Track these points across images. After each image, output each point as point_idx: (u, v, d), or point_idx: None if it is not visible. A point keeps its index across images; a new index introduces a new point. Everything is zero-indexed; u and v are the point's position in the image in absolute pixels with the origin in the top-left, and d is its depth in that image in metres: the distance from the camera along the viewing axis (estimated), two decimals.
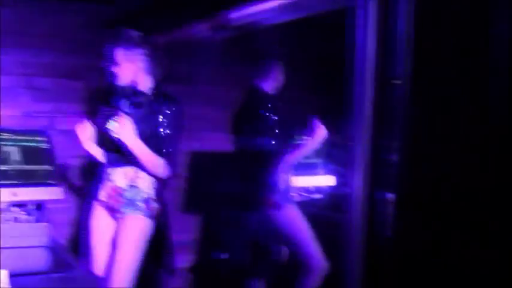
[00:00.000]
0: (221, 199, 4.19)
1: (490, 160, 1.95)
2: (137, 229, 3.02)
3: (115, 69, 3.04)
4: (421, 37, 1.78)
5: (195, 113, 4.33)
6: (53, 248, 2.45)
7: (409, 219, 1.97)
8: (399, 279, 1.99)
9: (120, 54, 3.02)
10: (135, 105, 3.04)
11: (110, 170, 3.10)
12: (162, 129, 2.99)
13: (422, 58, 1.80)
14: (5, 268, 1.86)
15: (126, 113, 2.99)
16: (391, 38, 1.80)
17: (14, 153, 3.07)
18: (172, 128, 3.02)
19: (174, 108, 3.04)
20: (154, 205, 3.07)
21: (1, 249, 2.23)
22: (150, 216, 3.04)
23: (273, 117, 3.62)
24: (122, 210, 3.03)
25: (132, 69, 3.04)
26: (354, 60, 1.94)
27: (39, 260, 2.20)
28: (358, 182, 2.00)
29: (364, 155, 1.96)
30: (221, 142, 4.25)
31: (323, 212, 4.24)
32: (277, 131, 3.64)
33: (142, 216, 3.01)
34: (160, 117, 2.99)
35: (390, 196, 1.93)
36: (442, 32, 1.90)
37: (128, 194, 3.02)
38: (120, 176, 3.06)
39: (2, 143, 3.06)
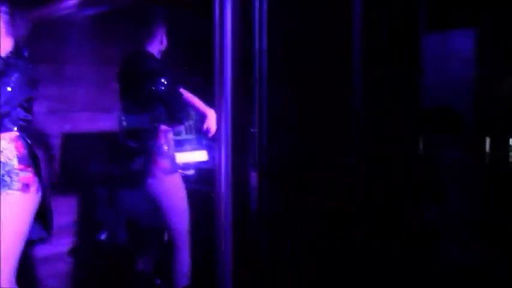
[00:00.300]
0: (97, 178, 4.20)
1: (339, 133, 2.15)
2: (11, 207, 2.74)
3: None
4: (274, 17, 1.92)
5: (64, 93, 4.31)
6: None
7: (269, 189, 2.11)
8: (263, 244, 2.14)
9: None
10: None
11: None
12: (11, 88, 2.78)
13: (276, 36, 1.95)
14: None
15: None
16: (247, 18, 1.93)
17: None
18: (17, 86, 2.81)
19: (29, 67, 2.89)
20: (23, 174, 2.79)
21: None
22: (22, 189, 2.77)
23: (161, 83, 3.55)
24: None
25: None
26: (215, 39, 2.04)
27: None
28: (223, 156, 2.11)
29: (227, 129, 2.07)
30: (91, 122, 4.28)
31: (197, 186, 4.32)
32: (162, 98, 3.58)
33: (13, 191, 2.74)
34: (12, 77, 2.80)
35: (252, 168, 2.07)
36: (293, 11, 2.06)
37: None
38: None
39: None
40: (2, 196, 2.72)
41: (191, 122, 4.54)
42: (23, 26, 2.98)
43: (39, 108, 4.23)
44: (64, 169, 4.34)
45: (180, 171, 3.82)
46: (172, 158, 3.69)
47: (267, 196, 2.07)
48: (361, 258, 2.27)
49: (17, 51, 2.92)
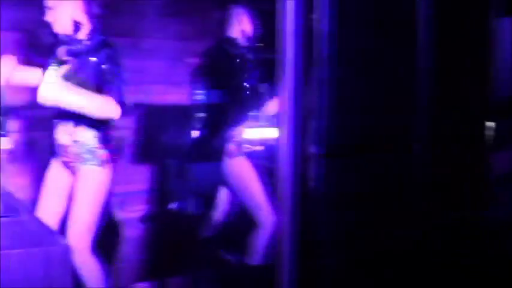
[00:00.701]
0: (169, 150, 4.33)
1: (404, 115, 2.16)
2: (91, 180, 3.12)
3: (50, 16, 3.08)
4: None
5: (140, 66, 4.44)
6: (3, 194, 2.58)
7: (329, 169, 2.15)
8: (320, 223, 2.18)
9: None
10: (73, 53, 3.11)
11: (56, 128, 3.20)
12: (102, 75, 3.06)
13: (337, 18, 1.97)
14: None
15: (64, 62, 3.06)
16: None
17: None
18: (111, 72, 3.08)
19: (111, 52, 3.11)
20: (101, 153, 3.14)
21: None
22: (101, 164, 3.13)
23: (247, 70, 3.70)
24: (73, 165, 3.15)
25: (67, 14, 3.07)
26: (278, 22, 2.09)
27: None
28: (285, 135, 2.16)
29: (290, 109, 2.12)
30: (164, 94, 4.40)
31: (265, 162, 4.38)
32: (246, 84, 3.72)
33: (94, 167, 3.11)
34: (99, 63, 3.07)
35: (316, 147, 2.11)
36: None
37: (73, 149, 3.13)
38: (62, 133, 3.16)
39: None
40: (83, 169, 3.12)
41: None
42: (101, 8, 3.18)
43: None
44: (139, 139, 4.49)
45: (248, 147, 3.89)
46: (240, 143, 3.78)
47: (326, 176, 2.11)
48: (423, 241, 2.28)
49: (94, 33, 3.16)
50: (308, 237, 2.16)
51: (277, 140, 2.22)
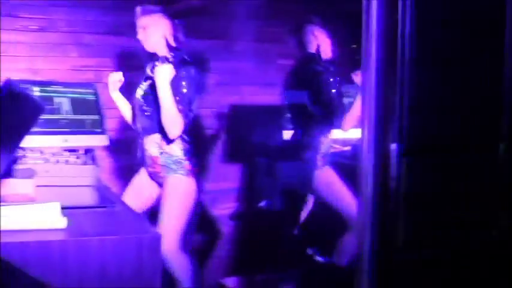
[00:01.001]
0: (259, 149, 4.44)
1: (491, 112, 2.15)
2: (178, 189, 3.30)
3: (141, 35, 3.33)
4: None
5: (232, 67, 4.58)
6: (98, 187, 2.76)
7: (410, 168, 2.17)
8: (401, 224, 2.20)
9: (143, 20, 3.31)
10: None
11: (144, 139, 3.40)
12: (180, 91, 3.23)
13: (420, 19, 1.99)
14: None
15: (150, 78, 3.30)
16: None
17: (65, 104, 3.36)
18: (189, 90, 3.26)
19: (192, 71, 3.28)
20: (186, 163, 3.32)
21: (53, 187, 2.55)
22: (187, 174, 3.31)
23: (329, 82, 3.74)
24: (161, 175, 3.33)
25: (155, 34, 3.31)
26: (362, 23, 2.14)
27: (85, 196, 2.51)
28: (366, 134, 2.20)
29: (371, 108, 2.16)
30: (255, 95, 4.52)
31: (353, 162, 4.40)
32: (330, 94, 3.75)
33: (181, 176, 3.29)
34: (180, 80, 3.23)
35: (396, 146, 2.14)
36: None
37: (162, 161, 3.31)
38: (151, 145, 3.35)
39: (54, 94, 3.35)
40: (170, 179, 3.31)
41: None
42: (184, 30, 3.38)
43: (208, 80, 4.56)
44: (230, 138, 4.63)
45: (337, 146, 3.94)
46: (325, 154, 3.86)
47: (407, 176, 2.13)
48: (504, 242, 2.26)
49: (176, 51, 3.34)
50: (387, 238, 2.19)
51: (359, 139, 2.26)
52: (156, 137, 3.32)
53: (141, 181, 3.47)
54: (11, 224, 1.95)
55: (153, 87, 3.28)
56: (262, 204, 4.44)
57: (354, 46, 4.54)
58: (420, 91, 2.08)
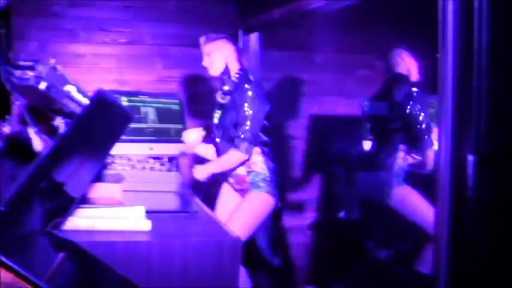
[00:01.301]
0: (338, 159, 4.48)
1: None
2: (256, 204, 3.40)
3: (206, 61, 3.44)
4: (495, 11, 1.99)
5: (313, 78, 4.65)
6: (181, 193, 2.88)
7: (488, 178, 2.17)
8: (479, 233, 2.20)
9: (207, 47, 3.42)
10: (226, 94, 3.43)
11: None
12: (244, 115, 3.30)
13: (496, 30, 2.01)
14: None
15: (220, 104, 3.44)
16: (468, 14, 2.03)
17: (151, 113, 3.51)
18: (255, 110, 3.31)
19: (256, 93, 3.33)
20: (273, 181, 3.42)
21: (139, 192, 2.68)
22: (271, 192, 3.40)
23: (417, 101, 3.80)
24: (243, 190, 3.45)
25: (219, 58, 3.41)
26: (439, 35, 2.17)
27: (169, 201, 2.62)
28: (444, 144, 2.22)
29: (449, 119, 2.18)
30: (334, 106, 4.56)
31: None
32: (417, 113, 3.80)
33: (264, 193, 3.39)
34: (243, 102, 3.31)
35: (472, 157, 2.15)
36: None
37: (249, 179, 3.41)
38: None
39: (141, 104, 3.51)
40: (253, 194, 3.42)
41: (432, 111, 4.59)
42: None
43: (290, 91, 4.65)
44: (310, 148, 4.69)
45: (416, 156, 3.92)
46: (404, 172, 3.88)
47: (485, 185, 2.13)
48: None
49: (245, 74, 3.43)
50: (465, 247, 2.19)
51: (437, 151, 2.28)
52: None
53: (226, 198, 3.60)
54: (101, 225, 2.08)
55: (224, 113, 3.42)
56: (341, 213, 4.46)
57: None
58: (497, 101, 2.08)
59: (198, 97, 4.32)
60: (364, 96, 4.38)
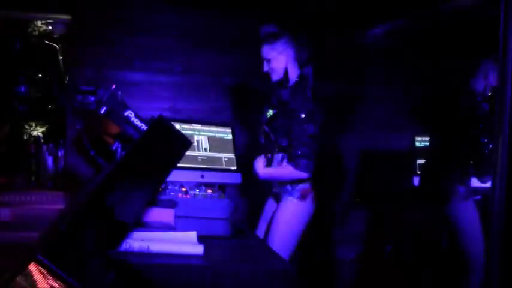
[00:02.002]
0: (388, 193, 4.46)
1: None
2: (290, 211, 3.30)
3: (266, 67, 3.34)
4: None
5: (363, 112, 4.66)
6: (233, 220, 2.90)
7: None
8: None
9: (265, 50, 3.32)
10: (282, 98, 3.34)
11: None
12: (300, 127, 3.20)
13: None
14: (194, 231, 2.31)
15: (275, 107, 3.35)
16: None
17: (203, 141, 3.57)
18: (313, 127, 3.21)
19: (315, 106, 3.23)
20: (302, 186, 3.29)
21: (191, 217, 2.72)
22: (300, 198, 3.29)
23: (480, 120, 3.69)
24: (282, 197, 3.35)
25: (282, 63, 3.31)
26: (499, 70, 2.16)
27: (221, 228, 2.65)
28: (499, 183, 2.20)
29: (503, 158, 2.17)
30: (386, 140, 4.56)
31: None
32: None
33: (293, 198, 3.29)
34: (301, 114, 3.21)
35: None
36: None
37: (280, 183, 3.34)
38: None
39: (193, 132, 3.57)
40: (283, 201, 3.33)
41: None
42: (306, 54, 3.35)
43: (340, 123, 4.66)
44: (360, 183, 4.68)
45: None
46: (468, 186, 3.77)
47: None
48: None
49: (304, 83, 3.32)
50: None
51: (490, 187, 2.25)
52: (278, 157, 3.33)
53: (268, 207, 3.52)
54: (154, 247, 2.11)
55: (276, 115, 3.33)
56: (388, 248, 4.43)
57: None
58: None
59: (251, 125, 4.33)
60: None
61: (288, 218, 3.30)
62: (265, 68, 3.35)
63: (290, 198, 3.31)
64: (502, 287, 2.13)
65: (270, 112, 3.39)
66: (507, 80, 2.09)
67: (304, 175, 3.22)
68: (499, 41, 2.12)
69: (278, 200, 3.41)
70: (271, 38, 3.30)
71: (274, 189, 3.44)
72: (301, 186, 3.30)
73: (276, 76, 3.33)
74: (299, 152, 3.20)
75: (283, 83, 3.34)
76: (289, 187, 3.31)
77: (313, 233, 3.49)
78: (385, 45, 3.80)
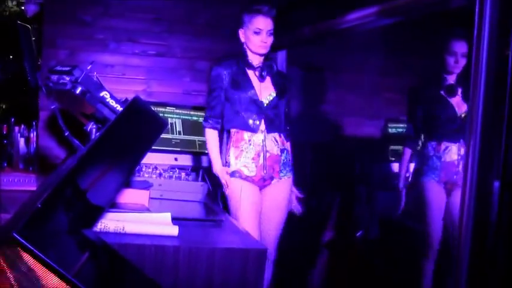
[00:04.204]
0: (359, 178, 4.50)
1: None
2: (287, 189, 3.34)
3: (266, 39, 3.29)
4: None
5: (339, 99, 4.69)
6: (206, 203, 2.92)
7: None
8: (500, 256, 2.22)
9: (270, 23, 3.29)
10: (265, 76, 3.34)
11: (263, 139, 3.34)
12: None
13: None
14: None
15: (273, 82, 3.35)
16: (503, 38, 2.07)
17: (177, 124, 3.57)
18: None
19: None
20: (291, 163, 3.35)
21: (166, 199, 2.74)
22: (291, 174, 3.34)
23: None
24: (280, 175, 3.29)
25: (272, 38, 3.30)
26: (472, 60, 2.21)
27: (194, 210, 2.67)
28: (470, 170, 2.25)
29: (476, 146, 2.21)
30: (358, 126, 4.59)
31: None
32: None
33: (290, 176, 3.33)
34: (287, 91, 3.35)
35: (498, 181, 2.17)
36: None
37: (283, 158, 3.29)
38: (272, 143, 3.27)
39: (168, 115, 3.57)
40: (283, 180, 3.32)
41: None
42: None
43: (315, 110, 4.69)
44: (331, 168, 4.71)
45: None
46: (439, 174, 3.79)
47: (509, 208, 2.15)
48: None
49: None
50: (484, 270, 2.21)
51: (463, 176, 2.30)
52: (276, 135, 3.30)
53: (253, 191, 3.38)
54: (129, 228, 2.12)
55: (276, 99, 3.33)
56: (359, 232, 4.48)
57: None
58: None
59: None
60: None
61: (288, 195, 3.36)
62: (266, 38, 3.28)
63: (289, 175, 3.33)
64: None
65: (273, 94, 3.34)
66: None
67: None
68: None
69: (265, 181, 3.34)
70: (273, 13, 3.29)
71: (273, 167, 3.32)
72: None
73: (266, 50, 3.31)
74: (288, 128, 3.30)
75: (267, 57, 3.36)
76: (287, 164, 3.33)
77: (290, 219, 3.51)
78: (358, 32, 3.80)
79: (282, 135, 3.29)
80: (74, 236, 1.82)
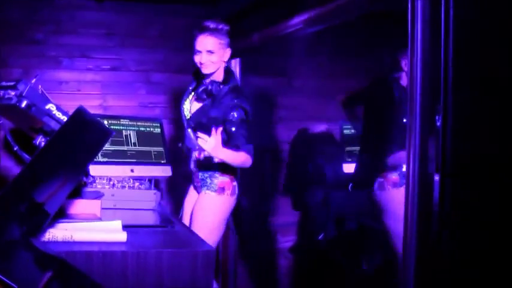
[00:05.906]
0: (315, 180, 4.56)
1: None
2: (207, 205, 3.28)
3: (204, 58, 3.26)
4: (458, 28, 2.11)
5: (292, 103, 4.75)
6: (160, 210, 2.95)
7: (452, 190, 2.26)
8: (443, 244, 2.28)
9: (210, 42, 3.24)
10: (210, 94, 3.29)
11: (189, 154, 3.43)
12: (229, 119, 3.17)
13: (461, 46, 2.12)
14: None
15: (201, 99, 3.33)
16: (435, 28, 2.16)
17: (132, 136, 3.59)
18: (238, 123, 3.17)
19: (243, 104, 3.20)
20: (222, 179, 3.28)
21: (118, 209, 2.76)
22: (218, 191, 3.26)
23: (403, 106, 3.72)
24: (200, 190, 3.33)
25: (220, 57, 3.28)
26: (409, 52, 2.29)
27: (147, 218, 2.70)
28: (412, 161, 2.32)
29: (416, 138, 2.29)
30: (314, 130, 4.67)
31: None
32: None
33: (210, 192, 3.27)
34: (229, 107, 3.19)
35: (437, 173, 2.25)
36: None
37: (200, 175, 3.32)
38: (192, 159, 3.37)
39: (122, 127, 3.59)
40: (201, 195, 3.33)
41: None
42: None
43: (270, 116, 4.74)
44: (290, 172, 4.77)
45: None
46: (402, 173, 3.81)
47: (449, 197, 2.22)
48: None
49: (234, 81, 3.36)
50: (430, 258, 2.27)
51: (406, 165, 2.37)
52: (196, 153, 3.34)
53: (189, 199, 3.52)
54: (78, 236, 2.14)
55: (204, 109, 3.32)
56: (320, 235, 4.52)
57: None
58: (462, 114, 2.18)
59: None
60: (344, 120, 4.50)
61: (204, 213, 3.28)
62: (203, 59, 3.26)
63: (208, 192, 3.29)
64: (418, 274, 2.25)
65: (194, 107, 3.38)
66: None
67: (250, 162, 3.18)
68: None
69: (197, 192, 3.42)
70: (217, 31, 3.27)
71: (195, 182, 3.43)
72: (220, 179, 3.29)
73: (211, 69, 3.28)
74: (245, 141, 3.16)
75: (214, 76, 3.32)
76: (208, 180, 3.30)
77: (253, 224, 3.54)
78: (309, 36, 3.87)
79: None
80: (20, 246, 1.84)
